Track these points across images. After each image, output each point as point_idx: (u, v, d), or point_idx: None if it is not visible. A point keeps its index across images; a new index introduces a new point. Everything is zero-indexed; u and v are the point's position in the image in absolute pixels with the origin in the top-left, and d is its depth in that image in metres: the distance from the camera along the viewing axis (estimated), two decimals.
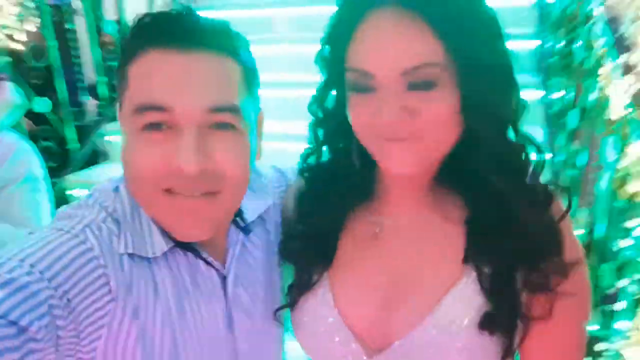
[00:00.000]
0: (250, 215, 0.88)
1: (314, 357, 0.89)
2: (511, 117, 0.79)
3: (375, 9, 0.73)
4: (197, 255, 0.79)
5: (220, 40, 0.72)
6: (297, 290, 0.88)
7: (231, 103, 0.72)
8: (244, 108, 0.74)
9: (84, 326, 0.66)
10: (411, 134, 0.74)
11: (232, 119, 0.72)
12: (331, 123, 0.87)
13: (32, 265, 0.64)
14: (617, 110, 1.72)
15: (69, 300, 0.64)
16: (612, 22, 1.75)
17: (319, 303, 0.86)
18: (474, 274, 0.79)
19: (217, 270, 0.81)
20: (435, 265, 0.82)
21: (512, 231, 0.77)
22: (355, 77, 0.75)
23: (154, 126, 0.70)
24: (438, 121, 0.74)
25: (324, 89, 0.85)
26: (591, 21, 1.90)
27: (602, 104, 1.78)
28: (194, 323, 0.77)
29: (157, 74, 0.69)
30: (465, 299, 0.78)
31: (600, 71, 1.75)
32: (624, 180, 1.63)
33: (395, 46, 0.71)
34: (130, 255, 0.72)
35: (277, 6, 3.32)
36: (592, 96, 1.86)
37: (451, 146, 0.78)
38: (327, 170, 0.91)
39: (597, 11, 1.85)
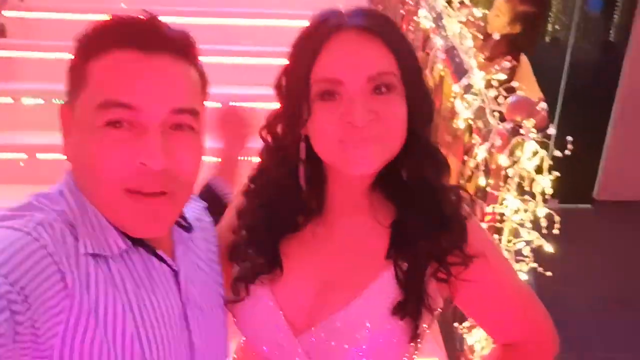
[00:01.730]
0: (190, 215, 0.91)
1: (250, 337, 1.00)
2: (432, 124, 0.95)
3: (338, 31, 0.84)
4: (151, 252, 0.80)
5: (182, 47, 0.76)
6: (242, 284, 0.94)
7: (192, 106, 0.76)
8: (200, 112, 0.78)
9: (40, 322, 0.66)
10: (377, 134, 0.83)
11: (192, 121, 0.76)
12: (280, 147, 0.93)
13: None
14: (461, 121, 2.11)
15: (26, 296, 0.64)
16: (450, 51, 2.07)
17: (260, 296, 0.93)
18: (392, 270, 0.90)
19: (169, 266, 0.82)
20: (361, 262, 0.93)
21: (429, 227, 0.90)
22: (323, 87, 0.83)
23: (116, 123, 0.71)
24: (397, 122, 0.85)
25: (280, 115, 0.92)
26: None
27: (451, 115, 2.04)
28: (154, 316, 0.77)
29: (125, 74, 0.72)
30: (382, 291, 0.90)
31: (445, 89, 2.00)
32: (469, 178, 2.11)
33: (361, 56, 0.83)
34: (86, 254, 0.73)
35: None
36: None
37: (400, 148, 0.89)
38: (271, 192, 0.95)
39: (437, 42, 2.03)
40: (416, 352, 0.95)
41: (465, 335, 1.90)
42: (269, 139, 0.94)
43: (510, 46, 2.64)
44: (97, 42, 0.73)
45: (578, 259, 3.93)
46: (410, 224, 0.91)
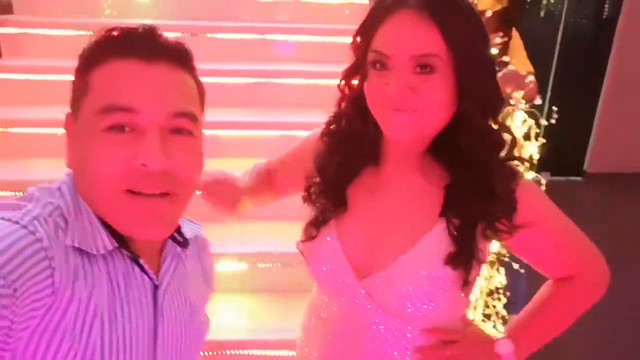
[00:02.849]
0: (187, 231, 0.91)
1: (317, 277, 1.11)
2: (494, 108, 1.00)
3: (399, 9, 0.92)
4: (135, 260, 0.80)
5: (180, 56, 0.79)
6: (313, 226, 1.08)
7: (190, 110, 0.78)
8: (199, 118, 0.80)
9: (19, 315, 0.65)
10: (411, 106, 0.92)
11: (191, 126, 0.78)
12: (353, 98, 1.04)
13: None
14: None
15: (14, 290, 0.64)
16: None
17: (327, 235, 1.06)
18: (444, 224, 0.99)
19: (150, 279, 0.82)
20: (416, 215, 1.03)
21: (479, 196, 0.98)
22: (376, 57, 0.94)
23: (117, 128, 0.73)
24: (433, 99, 0.92)
25: (352, 70, 1.04)
26: None
27: None
28: (122, 322, 0.77)
29: (124, 80, 0.74)
30: (436, 242, 0.99)
31: None
32: None
33: (409, 36, 0.91)
34: (74, 249, 0.73)
35: None
36: None
37: (443, 124, 0.97)
38: (344, 137, 1.08)
39: None
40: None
41: None
42: (346, 90, 1.06)
43: (501, 21, 2.74)
44: (98, 54, 0.76)
45: None
46: (463, 191, 0.99)
